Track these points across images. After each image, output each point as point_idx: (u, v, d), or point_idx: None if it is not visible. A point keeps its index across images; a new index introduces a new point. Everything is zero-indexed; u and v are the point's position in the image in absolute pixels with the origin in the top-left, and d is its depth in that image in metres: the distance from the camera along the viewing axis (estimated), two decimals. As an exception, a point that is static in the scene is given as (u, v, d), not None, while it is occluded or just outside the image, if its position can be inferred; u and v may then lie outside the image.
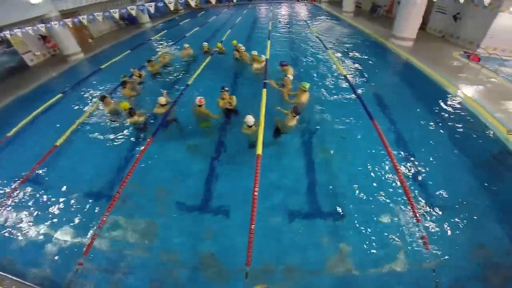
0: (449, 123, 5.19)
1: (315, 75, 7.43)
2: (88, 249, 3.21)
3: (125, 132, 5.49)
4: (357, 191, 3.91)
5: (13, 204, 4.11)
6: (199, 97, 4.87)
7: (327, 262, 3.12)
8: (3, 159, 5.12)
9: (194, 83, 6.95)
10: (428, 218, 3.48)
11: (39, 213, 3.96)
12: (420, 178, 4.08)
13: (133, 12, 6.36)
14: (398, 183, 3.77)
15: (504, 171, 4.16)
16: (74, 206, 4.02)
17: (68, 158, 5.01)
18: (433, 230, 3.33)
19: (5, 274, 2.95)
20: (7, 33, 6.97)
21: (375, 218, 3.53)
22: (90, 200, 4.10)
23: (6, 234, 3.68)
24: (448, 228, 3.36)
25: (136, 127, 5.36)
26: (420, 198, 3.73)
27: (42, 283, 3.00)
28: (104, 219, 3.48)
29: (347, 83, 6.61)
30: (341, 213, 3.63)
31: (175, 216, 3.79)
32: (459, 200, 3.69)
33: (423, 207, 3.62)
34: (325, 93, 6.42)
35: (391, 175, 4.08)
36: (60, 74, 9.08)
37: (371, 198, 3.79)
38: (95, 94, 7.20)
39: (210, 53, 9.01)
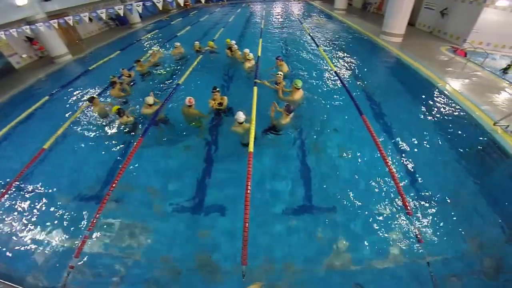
0: (437, 116, 5.28)
1: (306, 72, 7.45)
2: (79, 252, 3.15)
3: (115, 133, 5.41)
4: (348, 187, 3.94)
5: (1, 209, 4.01)
6: (188, 97, 4.84)
7: (323, 257, 3.13)
8: (-11, 164, 4.99)
9: (185, 83, 6.90)
10: (420, 211, 3.52)
11: (28, 217, 3.88)
12: (410, 170, 4.14)
13: (121, 12, 6.27)
14: (389, 178, 3.80)
15: (491, 162, 4.25)
16: (64, 209, 3.95)
17: (56, 160, 4.91)
18: (425, 223, 3.38)
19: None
20: (-10, 35, 6.78)
21: (367, 213, 3.56)
22: (80, 203, 4.03)
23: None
24: (440, 220, 3.40)
25: (126, 128, 5.30)
26: (410, 191, 3.77)
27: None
28: (94, 221, 3.43)
29: (338, 80, 6.66)
30: (334, 209, 3.66)
31: (168, 217, 3.76)
32: (448, 192, 3.75)
33: (414, 200, 3.66)
34: (316, 89, 6.45)
35: (381, 169, 4.11)
36: (47, 76, 8.90)
37: (362, 193, 3.84)
38: (83, 96, 7.06)
39: (201, 52, 8.96)
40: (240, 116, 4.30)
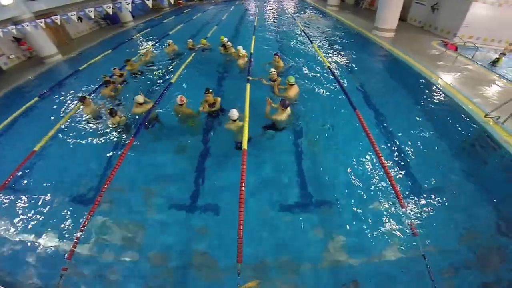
0: (429, 109, 5.33)
1: (300, 68, 7.44)
2: (71, 254, 3.08)
3: (107, 133, 5.31)
4: (342, 182, 3.96)
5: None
6: (180, 96, 4.78)
7: (319, 253, 3.14)
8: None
9: (177, 81, 6.81)
10: (413, 204, 3.54)
11: (20, 219, 3.79)
12: (403, 163, 4.18)
13: (110, 11, 6.14)
14: (382, 171, 3.80)
15: (483, 153, 4.32)
16: (56, 211, 3.88)
17: (48, 162, 4.81)
18: (419, 216, 3.40)
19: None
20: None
21: (361, 208, 3.58)
22: (72, 204, 3.96)
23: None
24: (434, 213, 3.42)
25: (118, 128, 5.21)
26: (403, 185, 3.80)
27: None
28: (86, 222, 3.36)
29: (331, 75, 6.67)
30: (329, 205, 3.67)
31: (163, 216, 3.72)
32: (442, 184, 3.79)
33: (407, 193, 3.68)
34: (309, 85, 6.44)
35: (374, 163, 4.15)
36: (36, 77, 8.69)
37: (355, 188, 3.85)
38: (74, 96, 6.92)
39: (194, 50, 8.86)
40: (234, 113, 4.26)
